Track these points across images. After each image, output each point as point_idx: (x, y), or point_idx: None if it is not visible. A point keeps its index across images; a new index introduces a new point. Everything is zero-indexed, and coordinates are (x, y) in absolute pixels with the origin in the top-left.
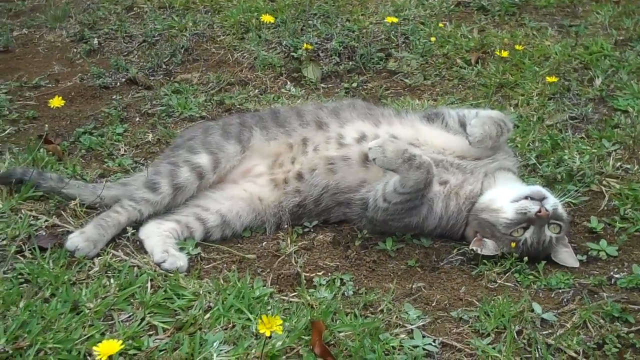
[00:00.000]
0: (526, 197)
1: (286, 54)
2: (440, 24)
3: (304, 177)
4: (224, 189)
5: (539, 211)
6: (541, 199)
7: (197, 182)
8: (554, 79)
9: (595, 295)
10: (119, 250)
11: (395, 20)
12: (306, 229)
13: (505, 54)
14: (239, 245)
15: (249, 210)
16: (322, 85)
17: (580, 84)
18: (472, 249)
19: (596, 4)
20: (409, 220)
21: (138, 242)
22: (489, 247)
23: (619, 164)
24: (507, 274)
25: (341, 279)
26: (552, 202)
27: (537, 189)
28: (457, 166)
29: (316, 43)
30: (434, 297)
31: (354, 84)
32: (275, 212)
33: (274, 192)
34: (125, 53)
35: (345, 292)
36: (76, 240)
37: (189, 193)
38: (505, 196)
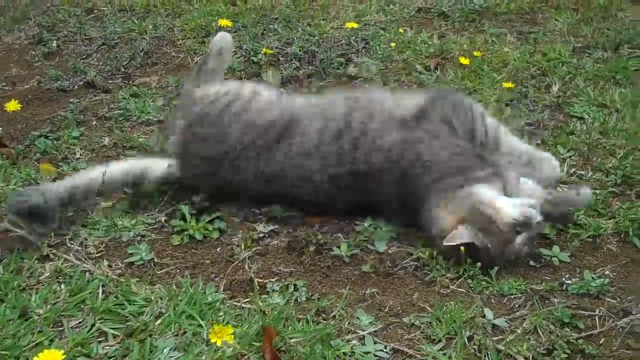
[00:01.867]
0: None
1: (246, 58)
2: (401, 30)
3: None
4: None
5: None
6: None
7: None
8: (511, 85)
9: (547, 301)
10: (71, 255)
11: (355, 25)
12: (261, 234)
13: (465, 61)
14: (193, 250)
15: None
16: (282, 89)
17: (537, 91)
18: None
19: (555, 11)
20: None
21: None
22: None
23: (573, 170)
24: (460, 280)
25: (295, 285)
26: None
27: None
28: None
29: (277, 47)
30: (387, 303)
31: (313, 89)
32: None
33: None
34: (84, 56)
35: (298, 298)
36: None
37: None
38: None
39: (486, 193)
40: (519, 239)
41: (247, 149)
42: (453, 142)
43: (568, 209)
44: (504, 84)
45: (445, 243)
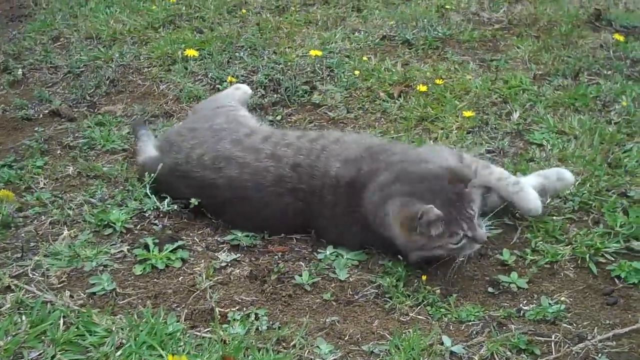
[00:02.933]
0: None
1: (212, 86)
2: (365, 58)
3: None
4: None
5: None
6: None
7: None
8: (471, 113)
9: (504, 327)
10: (32, 286)
11: (319, 53)
12: (223, 263)
13: (424, 88)
14: (155, 280)
15: None
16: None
17: (498, 118)
18: None
19: (517, 38)
20: None
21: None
22: None
23: None
24: (420, 307)
25: (256, 314)
26: None
27: None
28: None
29: (242, 75)
30: (347, 331)
31: (278, 117)
32: None
33: None
34: (50, 84)
35: (259, 327)
36: None
37: None
38: None
39: None
40: None
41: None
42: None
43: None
44: (464, 113)
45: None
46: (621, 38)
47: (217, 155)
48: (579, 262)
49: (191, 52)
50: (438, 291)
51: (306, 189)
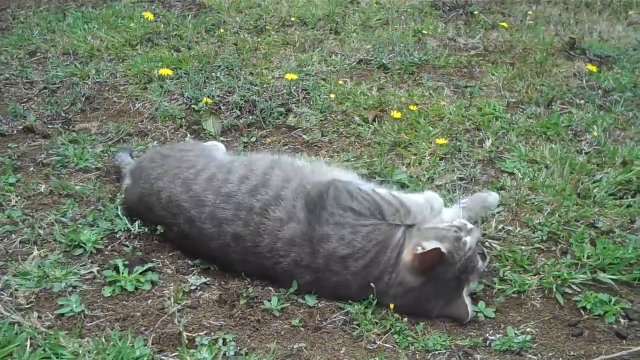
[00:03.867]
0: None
1: (187, 106)
2: (340, 81)
3: None
4: None
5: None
6: None
7: None
8: (443, 141)
9: (470, 357)
10: (0, 306)
11: (295, 77)
12: (192, 287)
13: (398, 115)
14: (124, 302)
15: None
16: (222, 138)
17: (471, 145)
18: None
19: (492, 65)
20: None
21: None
22: None
23: (501, 225)
24: (387, 335)
25: (224, 339)
26: None
27: None
28: None
29: (218, 96)
30: (314, 358)
31: (253, 139)
32: None
33: None
34: (25, 100)
35: (227, 353)
36: None
37: None
38: None
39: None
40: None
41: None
42: (364, 224)
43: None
44: (437, 140)
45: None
46: (594, 68)
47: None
48: (545, 292)
49: (165, 72)
50: (406, 319)
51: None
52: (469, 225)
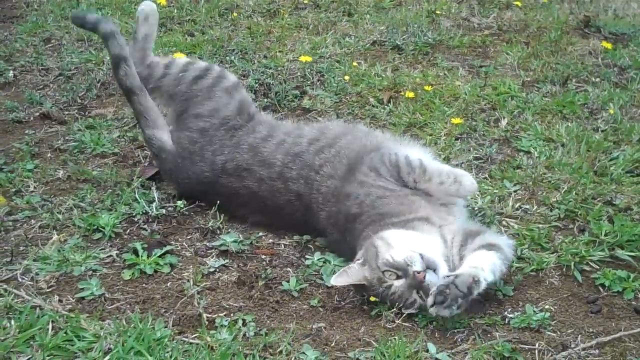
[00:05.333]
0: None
1: None
2: (355, 63)
3: None
4: None
5: (419, 272)
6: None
7: None
8: (459, 120)
9: (489, 335)
10: (22, 290)
11: (309, 59)
12: (211, 269)
13: (412, 94)
14: (144, 285)
15: None
16: None
17: (486, 125)
18: None
19: (507, 45)
20: None
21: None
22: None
23: (518, 204)
24: (405, 314)
25: (243, 320)
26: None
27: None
28: None
29: None
30: (334, 338)
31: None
32: None
33: None
34: (41, 86)
35: (246, 333)
36: None
37: None
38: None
39: (391, 234)
40: (397, 283)
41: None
42: (379, 186)
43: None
44: (452, 119)
45: (332, 282)
46: (609, 46)
47: None
48: (564, 270)
49: (179, 55)
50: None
51: None
52: (417, 266)
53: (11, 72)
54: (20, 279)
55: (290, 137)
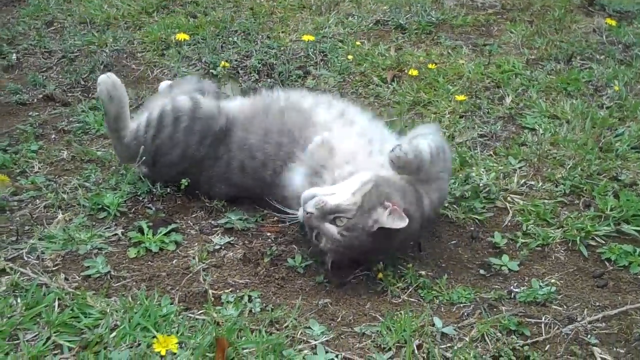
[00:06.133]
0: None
1: (206, 71)
2: (358, 42)
3: None
4: None
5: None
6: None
7: None
8: (463, 97)
9: (495, 309)
10: (28, 269)
11: (312, 38)
12: (217, 246)
13: (415, 72)
14: (149, 263)
15: None
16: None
17: (491, 102)
18: None
19: (510, 23)
20: None
21: (47, 260)
22: None
23: (523, 180)
24: (411, 289)
25: (249, 296)
26: (314, 202)
27: (305, 193)
28: None
29: (236, 60)
30: (339, 313)
31: None
32: None
33: None
34: (44, 69)
35: (252, 309)
36: None
37: None
38: None
39: None
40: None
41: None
42: None
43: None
44: (456, 96)
45: None
46: (614, 23)
47: None
48: (569, 245)
49: (183, 36)
50: (430, 273)
51: None
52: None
53: (14, 55)
54: (25, 258)
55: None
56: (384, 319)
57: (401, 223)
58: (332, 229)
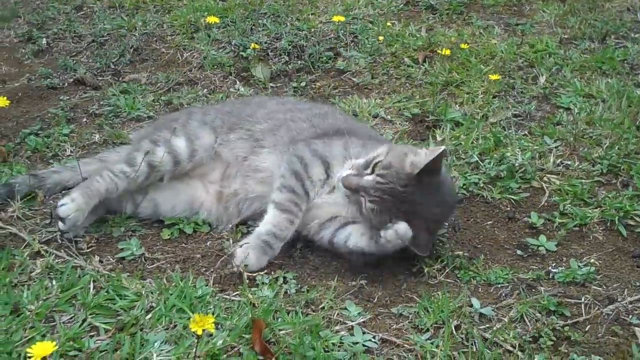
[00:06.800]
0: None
1: (235, 54)
2: (389, 23)
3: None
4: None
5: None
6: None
7: (172, 167)
8: (497, 77)
9: (533, 290)
10: (62, 251)
11: (342, 19)
12: (251, 228)
13: (448, 52)
14: (183, 245)
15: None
16: (271, 84)
17: (524, 82)
18: None
19: (543, 2)
20: None
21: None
22: None
23: (559, 160)
24: (447, 270)
25: (284, 278)
26: (346, 166)
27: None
28: None
29: (265, 42)
30: (376, 294)
31: (303, 83)
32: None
33: (217, 207)
34: (74, 53)
35: (288, 290)
36: (67, 208)
37: (165, 177)
38: None
39: None
40: None
41: None
42: None
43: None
44: (490, 76)
45: None
46: None
47: None
48: (608, 224)
49: (212, 19)
50: (466, 254)
51: None
52: None
53: (44, 39)
54: (59, 241)
55: None
56: (421, 299)
57: (438, 151)
58: (370, 177)
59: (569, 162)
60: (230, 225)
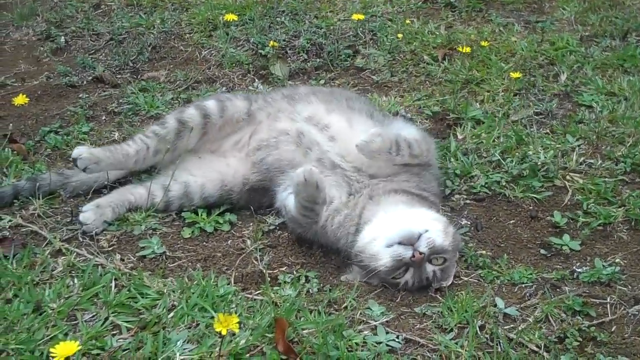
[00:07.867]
0: (399, 243)
1: (254, 51)
2: (408, 21)
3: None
4: (209, 160)
5: (413, 256)
6: (412, 243)
7: (201, 121)
8: (518, 74)
9: (558, 290)
10: (83, 249)
11: (361, 17)
12: (271, 227)
13: (468, 49)
14: (204, 243)
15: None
16: (290, 82)
17: (545, 80)
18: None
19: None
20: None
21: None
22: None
23: (582, 159)
24: (470, 269)
25: (306, 276)
26: (426, 241)
27: (407, 231)
28: (348, 179)
29: (284, 40)
30: (398, 294)
31: (322, 81)
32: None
33: (244, 163)
34: (93, 51)
35: (310, 289)
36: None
37: (193, 134)
38: (381, 240)
39: None
40: None
41: None
42: None
43: None
44: (511, 73)
45: None
46: None
47: None
48: (632, 224)
49: (231, 17)
50: (489, 253)
51: None
52: None
53: (62, 37)
54: (81, 239)
55: None
56: (444, 299)
57: None
58: (429, 267)
59: (591, 161)
60: None
